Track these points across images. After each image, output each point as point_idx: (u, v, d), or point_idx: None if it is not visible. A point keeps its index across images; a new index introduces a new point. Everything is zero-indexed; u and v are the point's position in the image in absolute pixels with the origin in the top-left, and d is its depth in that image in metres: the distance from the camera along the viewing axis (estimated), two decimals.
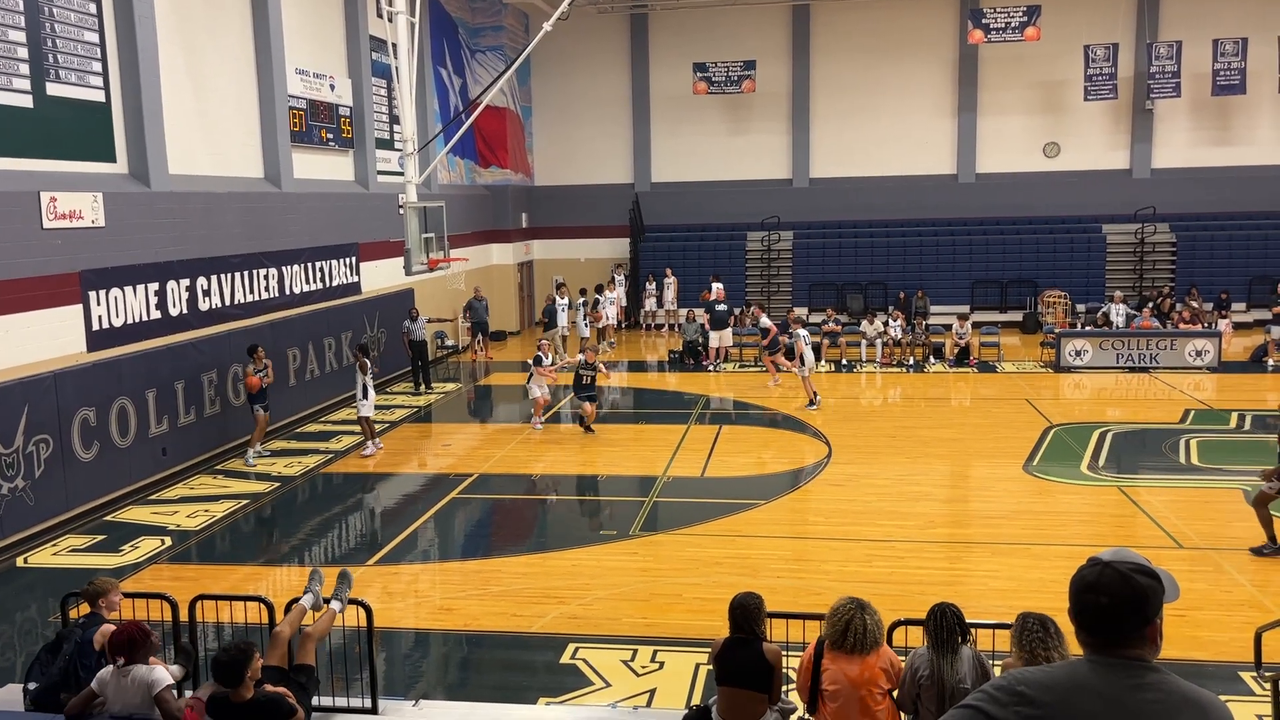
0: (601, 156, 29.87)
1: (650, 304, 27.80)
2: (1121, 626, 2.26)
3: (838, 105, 28.58)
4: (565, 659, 8.10)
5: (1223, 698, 7.05)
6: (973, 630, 5.82)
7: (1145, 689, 2.23)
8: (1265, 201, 26.74)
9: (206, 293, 14.79)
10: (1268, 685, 6.64)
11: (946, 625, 5.22)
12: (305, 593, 6.69)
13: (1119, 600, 2.26)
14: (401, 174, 17.31)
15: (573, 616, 8.96)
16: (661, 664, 7.97)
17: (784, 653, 5.79)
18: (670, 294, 27.30)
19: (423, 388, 19.93)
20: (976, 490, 13.51)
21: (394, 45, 16.25)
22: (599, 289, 25.91)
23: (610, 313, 24.91)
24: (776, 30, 28.65)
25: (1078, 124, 27.61)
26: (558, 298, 23.06)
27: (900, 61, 28.07)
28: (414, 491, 13.59)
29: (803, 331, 18.65)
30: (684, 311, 24.40)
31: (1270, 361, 20.56)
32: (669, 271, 27.30)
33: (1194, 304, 23.78)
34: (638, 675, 7.81)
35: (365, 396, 15.12)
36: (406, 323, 19.92)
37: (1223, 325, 23.09)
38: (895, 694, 5.35)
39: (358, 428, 15.61)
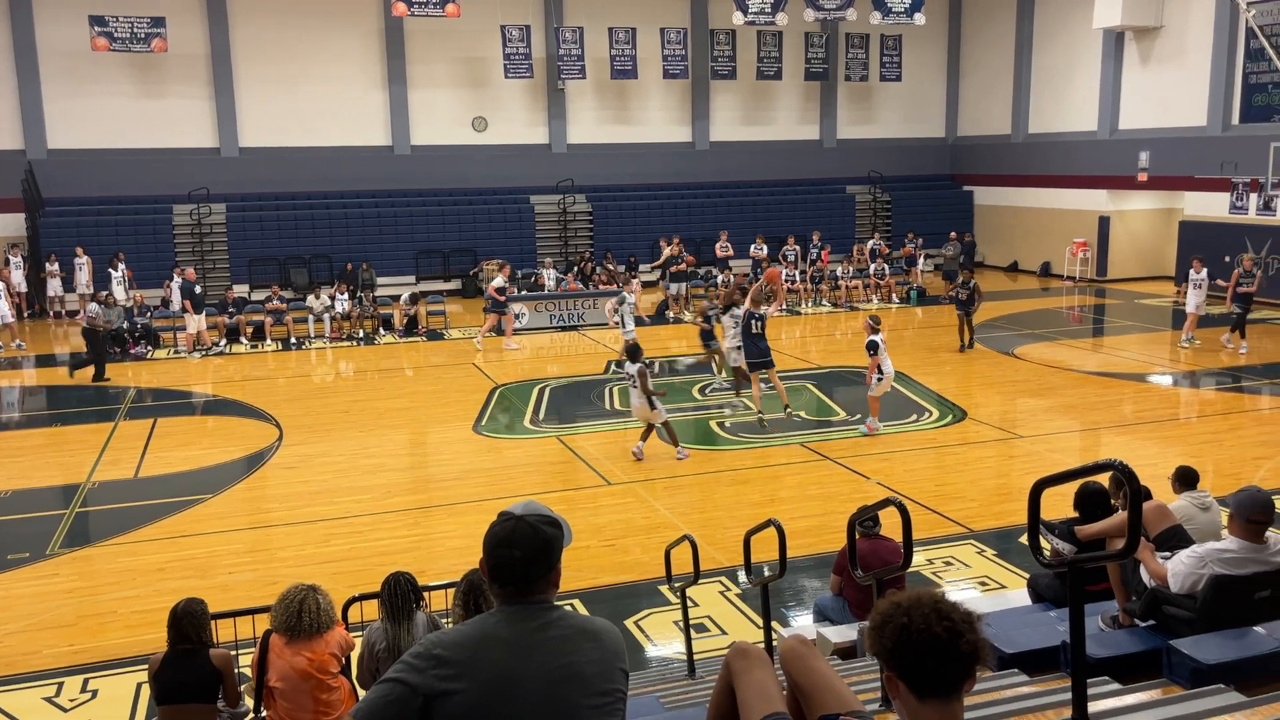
0: None
1: (55, 287, 24.30)
2: (531, 576, 2.42)
3: (264, 71, 27.19)
4: None
5: (646, 610, 7.94)
6: (428, 593, 5.98)
7: (548, 628, 2.42)
8: (660, 174, 30.69)
9: None
10: (677, 595, 7.68)
11: (400, 593, 5.27)
12: None
13: (530, 552, 2.41)
14: None
15: None
16: (95, 692, 7.09)
17: (234, 653, 5.46)
18: (84, 276, 24.13)
19: None
20: (431, 455, 13.89)
21: None
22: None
23: (2, 306, 20.97)
24: None
25: (502, 100, 29.27)
26: None
27: (327, 29, 27.45)
28: None
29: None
30: (104, 295, 21.69)
31: (670, 314, 23.76)
32: (80, 250, 24.09)
33: (610, 266, 26.60)
34: (66, 710, 6.87)
35: None
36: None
37: (634, 284, 26.18)
38: (353, 673, 5.30)
39: None
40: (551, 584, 2.46)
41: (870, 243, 27.31)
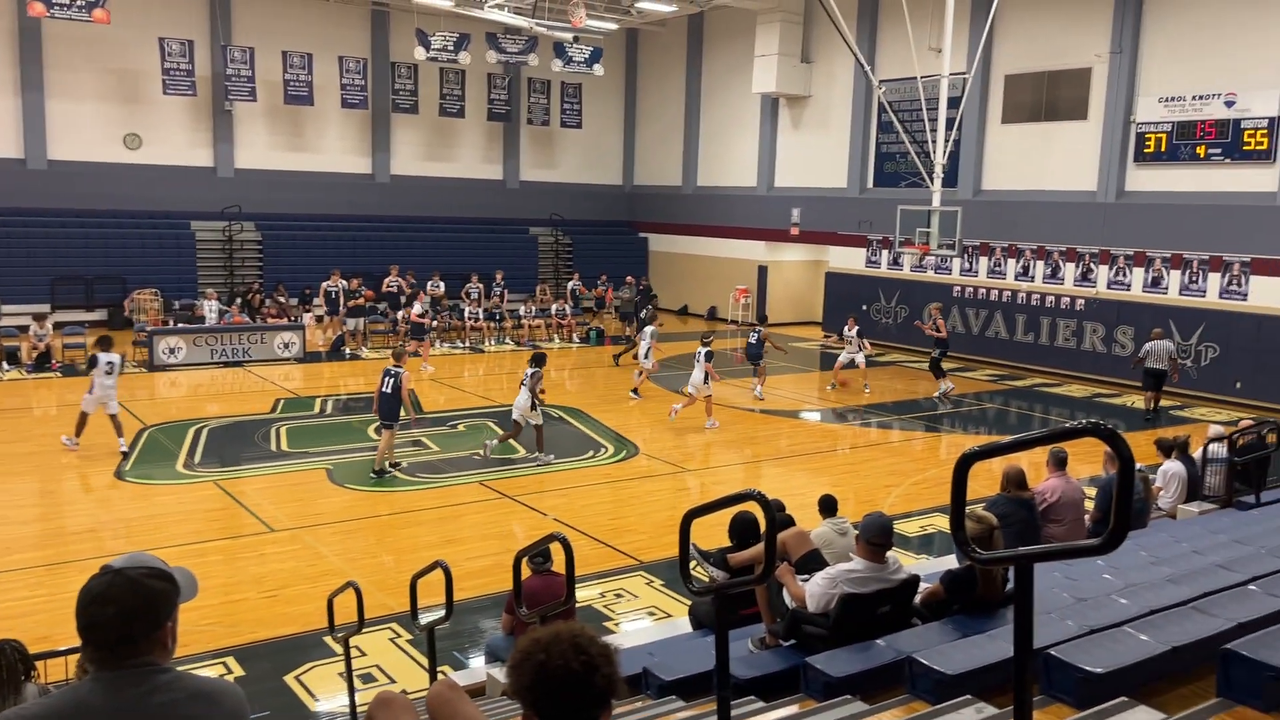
0: None
1: None
2: (131, 636, 2.17)
3: None
4: None
5: (309, 663, 7.46)
6: (49, 660, 5.29)
7: (154, 693, 2.18)
8: (337, 205, 29.60)
9: None
10: (340, 644, 7.31)
11: (4, 665, 4.58)
12: None
13: (128, 609, 2.16)
14: None
15: None
16: None
17: None
18: None
19: None
20: (65, 505, 12.38)
21: None
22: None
23: None
24: None
25: (160, 117, 27.05)
26: None
27: None
28: None
29: None
30: None
31: (347, 350, 22.88)
32: None
33: (281, 299, 25.26)
34: None
35: None
36: None
37: (307, 318, 25.02)
38: None
39: None
40: (160, 644, 2.21)
41: (570, 284, 28.21)
